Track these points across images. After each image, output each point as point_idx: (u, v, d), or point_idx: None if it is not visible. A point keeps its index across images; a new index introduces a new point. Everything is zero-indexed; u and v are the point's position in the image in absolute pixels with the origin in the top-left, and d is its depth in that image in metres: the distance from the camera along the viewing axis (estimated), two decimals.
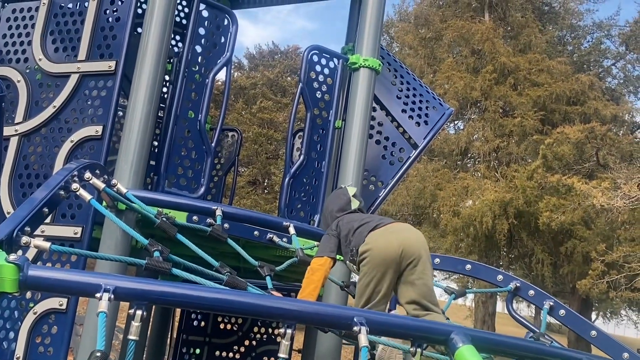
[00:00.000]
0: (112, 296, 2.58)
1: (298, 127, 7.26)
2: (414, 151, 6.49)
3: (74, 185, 3.93)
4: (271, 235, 5.33)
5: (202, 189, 5.42)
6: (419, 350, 3.01)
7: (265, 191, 31.92)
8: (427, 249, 4.54)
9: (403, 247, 4.40)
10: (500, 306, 34.07)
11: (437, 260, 5.79)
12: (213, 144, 5.59)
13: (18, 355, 4.68)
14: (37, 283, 2.62)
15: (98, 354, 2.41)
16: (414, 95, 6.73)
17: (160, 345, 7.51)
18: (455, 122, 28.10)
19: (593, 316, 31.04)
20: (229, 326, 7.60)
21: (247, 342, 7.52)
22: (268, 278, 4.66)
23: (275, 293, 4.49)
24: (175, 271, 3.64)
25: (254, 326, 7.55)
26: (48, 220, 4.78)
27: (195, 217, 5.00)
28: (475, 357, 2.91)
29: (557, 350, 3.42)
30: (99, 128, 5.02)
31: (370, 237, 4.52)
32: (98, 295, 2.58)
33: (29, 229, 3.20)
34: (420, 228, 25.01)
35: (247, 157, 30.61)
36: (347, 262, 4.71)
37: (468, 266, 5.62)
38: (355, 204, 5.11)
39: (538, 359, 3.32)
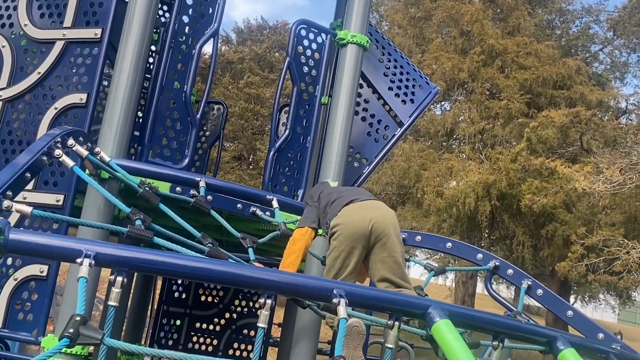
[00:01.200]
0: (93, 262, 2.60)
1: (284, 102, 7.25)
2: (399, 129, 6.50)
3: (57, 152, 3.91)
4: (254, 209, 5.34)
5: (186, 161, 5.41)
6: (397, 323, 3.05)
7: (250, 167, 31.88)
8: (397, 227, 4.63)
9: (373, 223, 4.50)
10: (480, 287, 34.36)
11: (418, 237, 5.85)
12: (198, 116, 5.57)
13: None
14: (17, 246, 2.62)
15: (78, 318, 2.42)
16: (401, 73, 6.73)
17: (140, 316, 7.52)
18: (442, 103, 28.12)
19: (571, 300, 31.38)
20: (209, 299, 7.62)
21: (227, 315, 7.55)
22: (250, 249, 4.69)
23: (257, 264, 4.53)
24: (157, 240, 3.65)
25: (234, 299, 7.58)
26: (30, 187, 4.77)
27: (178, 188, 5.00)
28: (452, 332, 2.96)
29: (532, 327, 3.48)
30: (84, 96, 4.99)
31: (342, 212, 4.61)
32: (79, 260, 2.59)
33: (10, 193, 3.20)
34: (404, 208, 25.13)
35: (233, 132, 30.52)
36: (326, 235, 4.78)
37: (449, 244, 5.69)
38: (334, 184, 5.18)
39: (514, 336, 3.38)
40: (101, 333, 2.43)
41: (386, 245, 4.50)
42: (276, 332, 7.58)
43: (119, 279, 2.64)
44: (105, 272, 6.19)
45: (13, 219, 4.54)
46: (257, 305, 7.51)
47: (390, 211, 4.72)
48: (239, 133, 31.08)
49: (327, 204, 4.79)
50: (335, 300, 2.86)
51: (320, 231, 4.87)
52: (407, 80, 6.71)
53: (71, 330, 2.38)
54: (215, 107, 8.23)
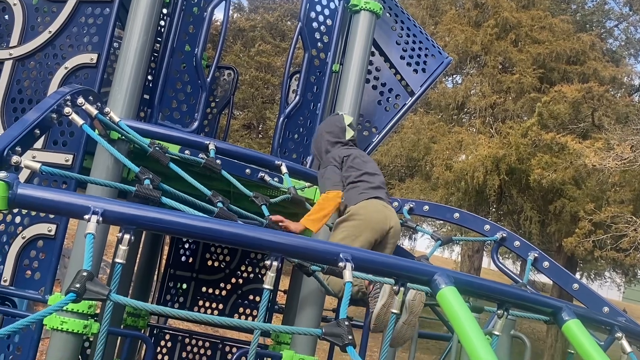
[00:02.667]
0: (101, 219, 2.60)
1: (295, 70, 7.21)
2: (410, 98, 6.45)
3: (67, 109, 3.91)
4: (263, 174, 5.34)
5: (196, 124, 5.40)
6: (402, 289, 3.06)
7: (260, 135, 31.82)
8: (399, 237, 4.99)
9: (391, 228, 4.79)
10: (486, 261, 34.43)
11: (425, 207, 5.85)
12: (208, 80, 5.55)
13: (5, 278, 4.73)
14: (26, 201, 2.63)
15: (84, 273, 2.43)
16: (414, 42, 6.66)
17: (147, 279, 7.57)
18: (454, 76, 27.90)
19: (577, 276, 31.35)
20: (216, 263, 7.66)
21: (233, 280, 7.60)
22: (264, 207, 4.69)
23: (274, 218, 4.56)
24: (165, 200, 3.65)
25: (241, 264, 7.61)
26: (39, 146, 4.78)
27: (187, 151, 4.99)
28: (457, 299, 2.96)
29: (537, 297, 3.48)
30: (94, 56, 4.97)
31: (366, 204, 4.77)
32: (87, 217, 2.59)
33: (19, 149, 3.20)
34: (412, 180, 25.09)
35: (243, 100, 30.41)
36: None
37: (456, 214, 5.68)
38: (349, 134, 5.21)
39: (519, 305, 3.38)
40: (108, 289, 2.44)
41: (386, 250, 4.79)
42: (282, 299, 7.61)
43: (126, 236, 2.65)
44: (113, 237, 6.23)
45: (22, 177, 4.56)
46: (263, 271, 7.55)
47: (399, 223, 4.98)
48: (249, 101, 30.97)
49: (349, 177, 4.89)
50: (341, 264, 2.86)
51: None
52: (420, 49, 6.64)
53: (78, 285, 2.38)
54: (226, 72, 8.18)
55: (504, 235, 5.41)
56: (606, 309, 4.85)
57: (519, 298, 3.31)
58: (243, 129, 31.14)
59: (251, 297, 7.52)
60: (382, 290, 4.19)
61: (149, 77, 5.79)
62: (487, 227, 5.51)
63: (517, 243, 5.38)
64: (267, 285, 2.88)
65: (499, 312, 3.24)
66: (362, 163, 5.04)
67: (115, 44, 5.62)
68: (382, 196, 4.90)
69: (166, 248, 8.01)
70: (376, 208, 4.78)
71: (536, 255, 5.28)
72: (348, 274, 2.84)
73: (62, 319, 4.36)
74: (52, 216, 4.71)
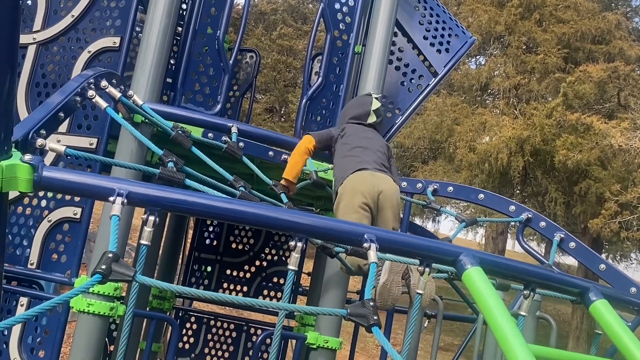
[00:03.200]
0: (126, 201, 2.61)
1: (317, 52, 7.17)
2: (433, 79, 6.39)
3: (90, 92, 3.92)
4: (286, 157, 5.33)
5: (219, 107, 5.40)
6: (427, 269, 3.03)
7: (282, 119, 31.83)
8: (397, 204, 4.71)
9: (382, 192, 4.60)
10: (510, 244, 34.27)
11: (450, 188, 5.80)
12: (231, 62, 5.54)
13: (32, 261, 4.78)
14: (51, 184, 2.64)
15: (110, 255, 2.44)
16: (437, 22, 6.59)
17: (172, 262, 7.62)
18: (477, 57, 27.66)
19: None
20: (240, 246, 7.69)
21: (257, 263, 7.63)
22: (283, 195, 4.69)
23: (290, 207, 4.56)
24: (189, 182, 3.66)
25: (265, 247, 7.64)
26: (64, 129, 4.81)
27: (210, 134, 5.00)
28: (482, 279, 2.93)
29: (564, 277, 3.44)
30: (117, 40, 4.98)
31: (349, 179, 4.68)
32: (112, 199, 2.60)
33: (44, 132, 3.21)
34: (435, 162, 24.97)
35: (265, 84, 30.40)
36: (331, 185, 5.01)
37: (481, 195, 5.63)
38: (372, 119, 5.16)
39: (545, 285, 3.35)
40: (133, 270, 2.45)
41: (387, 219, 4.63)
42: (305, 282, 7.62)
43: (151, 218, 2.65)
44: (137, 221, 6.26)
45: (47, 161, 4.59)
46: (286, 254, 7.57)
47: (394, 187, 4.76)
48: (271, 85, 30.95)
49: (341, 151, 4.90)
50: (366, 245, 2.84)
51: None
52: (443, 29, 6.57)
53: (103, 267, 2.40)
54: (248, 55, 8.16)
55: (530, 216, 5.36)
56: (633, 289, 4.79)
57: (546, 278, 3.27)
58: (265, 113, 31.15)
59: (275, 279, 7.54)
60: (383, 268, 4.15)
61: (171, 61, 5.80)
62: (512, 208, 5.46)
63: (542, 224, 5.33)
64: (292, 266, 2.88)
65: (525, 292, 3.22)
66: (358, 139, 5.00)
67: (137, 28, 5.64)
68: (369, 167, 4.76)
69: (190, 232, 8.05)
70: (360, 178, 4.66)
71: (562, 236, 5.23)
72: (373, 255, 2.83)
73: (88, 302, 4.40)
74: (77, 200, 4.74)
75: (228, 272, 7.62)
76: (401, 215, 4.80)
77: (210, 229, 7.75)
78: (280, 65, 30.50)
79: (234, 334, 7.56)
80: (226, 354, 7.49)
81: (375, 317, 2.67)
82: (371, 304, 2.72)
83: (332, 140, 5.05)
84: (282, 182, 4.87)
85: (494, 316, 2.74)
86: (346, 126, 5.13)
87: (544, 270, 3.48)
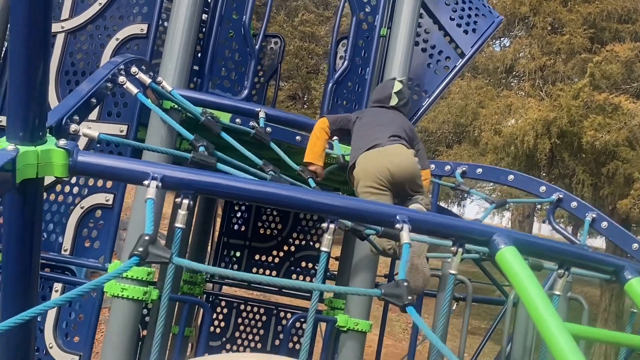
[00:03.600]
0: (160, 184, 2.62)
1: (342, 35, 7.14)
2: (460, 60, 6.35)
3: (121, 79, 3.95)
4: None
5: (245, 92, 5.42)
6: (460, 250, 3.02)
7: (305, 106, 31.80)
8: (417, 170, 4.69)
9: (389, 168, 4.59)
10: (536, 227, 34.02)
11: (479, 170, 5.78)
12: (257, 47, 5.54)
13: (66, 248, 4.84)
14: (86, 168, 2.66)
15: (147, 237, 2.45)
16: (463, 2, 6.52)
17: (201, 249, 7.67)
18: (501, 39, 27.36)
19: None
20: (268, 231, 7.73)
21: (286, 247, 7.66)
22: (310, 180, 4.70)
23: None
24: (220, 166, 3.68)
25: (292, 232, 7.66)
26: (94, 117, 4.86)
27: (238, 120, 5.02)
28: (517, 259, 2.91)
29: (599, 256, 3.40)
30: (144, 26, 5.01)
31: (359, 164, 4.71)
32: (146, 182, 2.61)
33: (77, 117, 3.24)
34: (460, 146, 24.80)
35: (288, 71, 30.33)
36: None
37: (511, 177, 5.60)
38: (394, 101, 5.16)
39: (579, 264, 3.32)
40: (169, 252, 2.46)
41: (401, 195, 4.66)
42: (333, 267, 7.64)
43: (185, 201, 2.66)
44: (166, 210, 6.29)
45: (80, 145, 4.63)
46: (314, 238, 7.59)
47: (404, 155, 4.71)
48: (294, 72, 30.90)
49: (358, 132, 4.98)
50: (398, 226, 2.83)
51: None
52: (470, 9, 6.51)
53: (141, 249, 2.41)
54: (273, 40, 8.16)
55: (561, 196, 5.32)
56: None
57: (580, 257, 3.24)
58: (288, 100, 31.15)
59: (303, 263, 7.57)
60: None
61: (198, 48, 5.82)
62: (543, 188, 5.42)
63: (574, 204, 5.29)
64: (325, 247, 2.87)
65: (559, 271, 3.19)
66: (375, 120, 5.03)
67: (163, 16, 5.66)
68: (379, 142, 4.76)
69: (218, 220, 8.10)
70: (368, 159, 4.68)
71: (594, 215, 5.19)
72: (405, 236, 2.82)
73: (122, 286, 4.45)
74: (109, 186, 4.79)
75: (257, 257, 7.66)
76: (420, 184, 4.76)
77: (239, 214, 7.80)
78: (302, 52, 30.43)
79: (264, 318, 7.62)
80: (257, 338, 7.55)
81: (410, 297, 2.67)
82: (405, 284, 2.72)
83: (348, 123, 5.10)
84: (310, 167, 4.90)
85: (530, 295, 2.72)
86: (366, 109, 5.15)
87: (578, 249, 3.45)
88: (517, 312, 5.02)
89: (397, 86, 5.23)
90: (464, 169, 5.75)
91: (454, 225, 3.07)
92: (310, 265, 7.54)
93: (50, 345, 4.72)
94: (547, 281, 4.86)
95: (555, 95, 21.70)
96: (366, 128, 4.91)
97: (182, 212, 2.69)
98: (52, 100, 5.03)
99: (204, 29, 5.74)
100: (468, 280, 6.56)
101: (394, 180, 4.57)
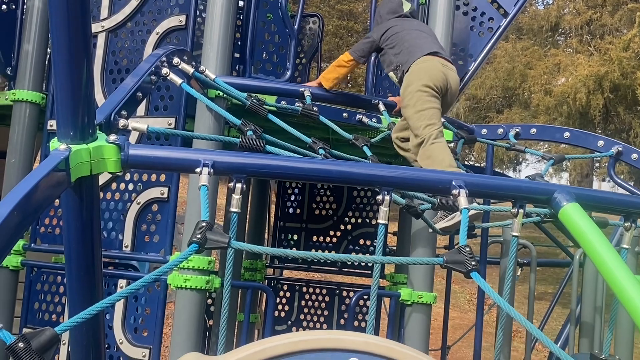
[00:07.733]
0: (212, 170, 2.62)
1: None
2: (504, 19, 6.18)
3: (164, 70, 3.96)
4: (360, 116, 5.30)
5: (288, 73, 5.40)
6: (521, 210, 2.94)
7: (349, 85, 31.67)
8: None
9: (450, 89, 4.69)
10: (596, 185, 33.27)
11: (533, 130, 5.65)
12: (296, 27, 5.51)
13: (126, 244, 4.91)
14: (138, 161, 2.68)
15: (204, 224, 2.46)
16: None
17: (259, 235, 7.70)
18: None
19: None
20: (323, 212, 7.70)
21: (342, 227, 7.63)
22: (365, 147, 4.67)
23: (375, 160, 4.53)
24: (270, 148, 3.67)
25: (347, 210, 7.63)
26: (142, 112, 4.90)
27: (283, 102, 5.00)
28: (581, 214, 2.82)
29: None
30: (183, 18, 5.00)
31: (421, 65, 4.66)
32: (198, 170, 2.62)
33: (125, 112, 3.26)
34: (511, 110, 24.42)
35: (329, 51, 30.18)
36: (390, 72, 4.99)
37: (566, 134, 5.46)
38: (407, 7, 5.12)
39: None
40: (227, 237, 2.46)
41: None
42: (392, 242, 7.58)
43: (238, 185, 2.66)
44: (221, 200, 6.30)
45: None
46: (370, 215, 7.54)
47: (458, 82, 4.85)
48: (335, 52, 30.75)
49: (399, 42, 4.88)
50: (455, 192, 2.78)
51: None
52: None
53: (199, 236, 2.42)
54: (311, 20, 8.10)
55: (620, 149, 5.16)
56: None
57: None
58: None
59: (362, 241, 7.53)
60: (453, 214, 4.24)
61: (237, 35, 5.81)
62: (600, 143, 5.26)
63: (634, 156, 5.12)
64: (382, 220, 2.84)
65: (626, 224, 3.09)
66: (410, 27, 5.00)
67: (200, 7, 5.66)
68: (440, 53, 4.77)
69: (272, 208, 8.13)
70: (431, 63, 4.67)
71: None
72: (463, 201, 2.76)
73: (185, 277, 4.49)
74: (162, 179, 4.83)
75: (314, 238, 7.65)
76: None
77: (292, 197, 7.80)
78: (342, 31, 30.27)
79: (327, 299, 7.62)
80: (321, 319, 7.56)
81: (473, 262, 2.61)
82: (467, 249, 2.66)
83: (373, 44, 5.06)
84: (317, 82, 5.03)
85: (598, 252, 2.63)
86: (388, 22, 5.07)
87: None
88: (584, 272, 4.89)
89: (407, 3, 5.25)
90: (517, 130, 5.63)
91: (512, 185, 3.01)
92: (368, 242, 7.49)
93: (121, 340, 4.81)
94: (613, 238, 4.73)
95: (604, 49, 21.17)
96: (410, 37, 4.88)
97: (236, 197, 2.68)
98: (99, 99, 5.07)
99: (241, 15, 5.73)
100: (531, 244, 6.46)
101: (446, 95, 4.67)
